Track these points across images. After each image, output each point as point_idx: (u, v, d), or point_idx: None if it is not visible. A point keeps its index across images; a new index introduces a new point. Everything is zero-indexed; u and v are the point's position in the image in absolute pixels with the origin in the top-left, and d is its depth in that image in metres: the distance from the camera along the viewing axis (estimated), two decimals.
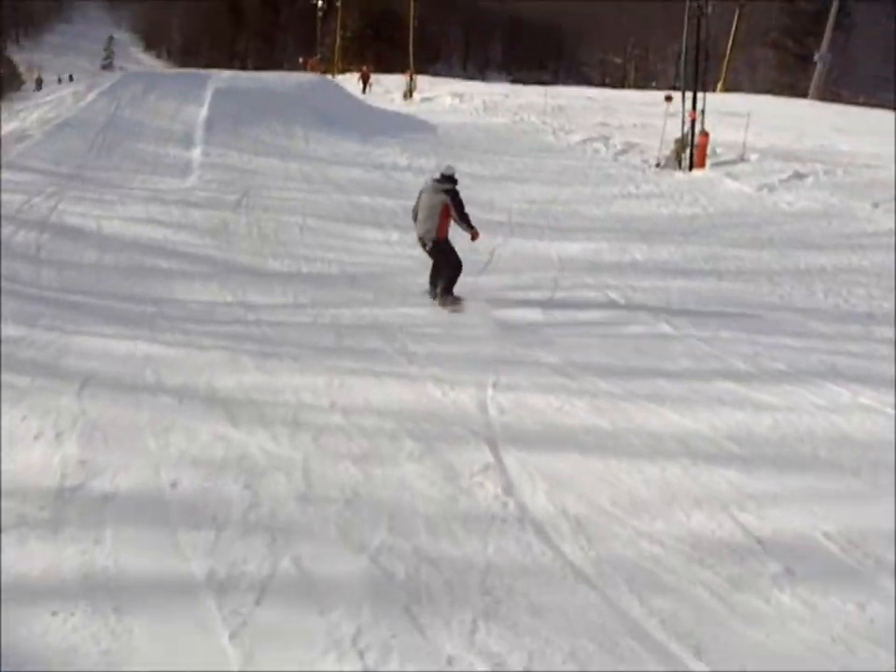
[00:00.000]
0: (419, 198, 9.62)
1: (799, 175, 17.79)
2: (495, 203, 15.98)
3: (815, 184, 17.38)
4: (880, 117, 30.33)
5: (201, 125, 21.82)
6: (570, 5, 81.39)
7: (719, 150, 20.24)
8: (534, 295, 10.34)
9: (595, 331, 8.94)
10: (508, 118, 28.41)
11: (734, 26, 44.28)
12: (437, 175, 9.57)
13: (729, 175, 18.39)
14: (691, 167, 19.35)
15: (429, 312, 9.43)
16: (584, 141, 23.65)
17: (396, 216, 14.58)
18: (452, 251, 9.55)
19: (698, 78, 19.88)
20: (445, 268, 9.51)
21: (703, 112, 19.30)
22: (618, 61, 69.06)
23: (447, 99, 34.21)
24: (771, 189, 17.15)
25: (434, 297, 9.69)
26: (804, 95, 40.40)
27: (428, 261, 9.97)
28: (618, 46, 69.60)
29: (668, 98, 20.60)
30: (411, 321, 8.99)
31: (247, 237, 13.44)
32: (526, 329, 8.83)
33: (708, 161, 19.51)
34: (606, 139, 23.63)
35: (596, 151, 22.47)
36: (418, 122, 26.39)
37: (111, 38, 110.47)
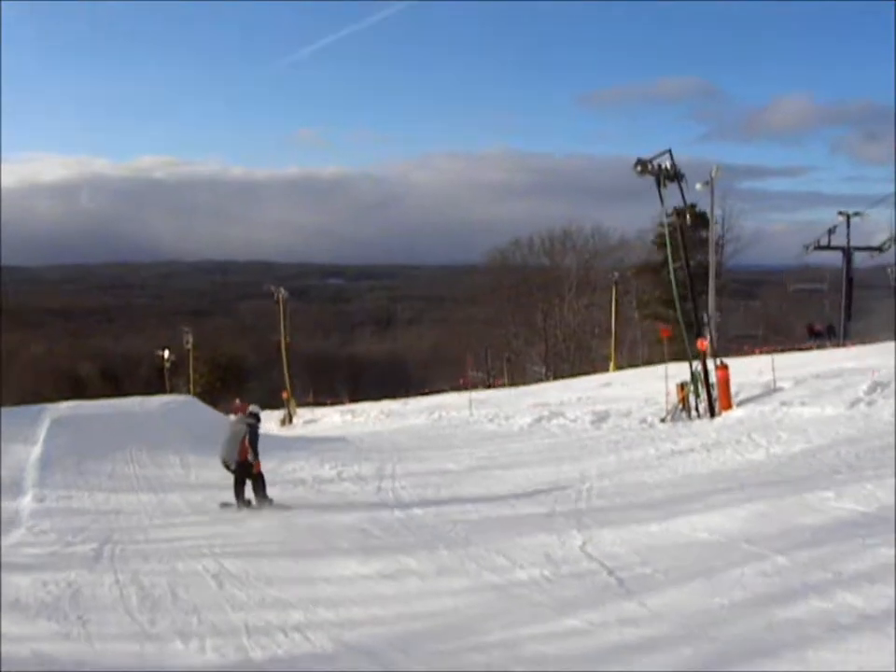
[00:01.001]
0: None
1: (881, 385, 13.87)
2: (519, 488, 10.76)
3: None
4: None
5: (32, 466, 15.71)
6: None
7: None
8: None
9: None
10: (423, 418, 23.86)
11: (613, 304, 44.12)
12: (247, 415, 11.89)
13: (785, 403, 14.19)
14: (712, 412, 15.04)
15: None
16: (538, 420, 19.26)
17: (368, 535, 8.99)
18: (252, 468, 11.53)
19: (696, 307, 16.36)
20: (255, 480, 11.60)
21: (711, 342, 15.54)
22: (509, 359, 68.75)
23: (335, 417, 29.65)
24: (870, 403, 13.02)
25: (244, 505, 11.59)
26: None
27: None
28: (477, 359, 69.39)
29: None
30: None
31: (119, 608, 7.34)
32: None
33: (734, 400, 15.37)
34: (560, 414, 19.36)
35: (564, 426, 18.03)
36: (319, 438, 21.32)
37: None
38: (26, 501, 13.62)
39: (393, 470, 14.71)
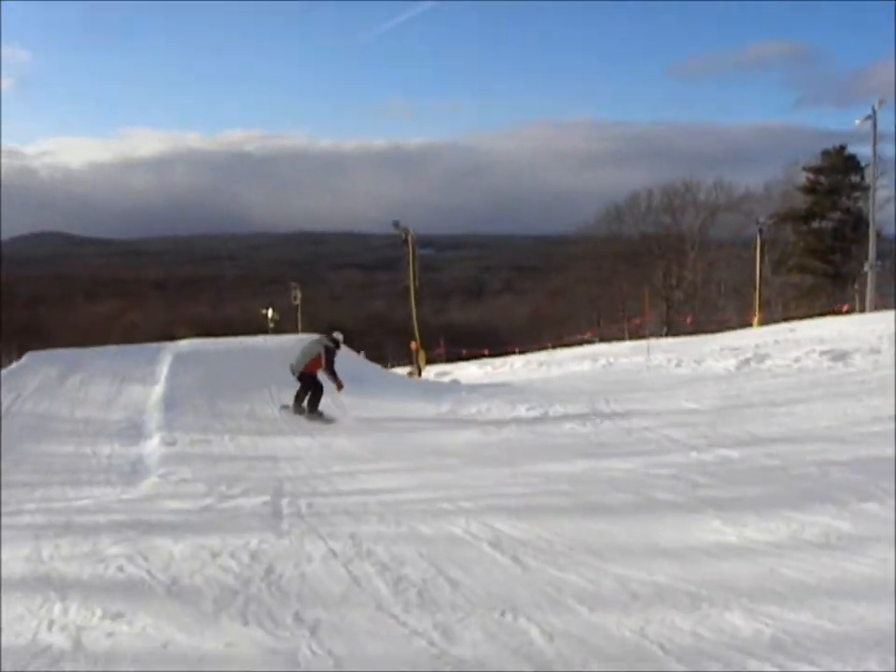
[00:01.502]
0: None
1: None
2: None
3: None
4: None
5: (155, 407, 12.73)
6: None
7: None
8: None
9: None
10: (587, 365, 20.12)
11: (758, 251, 39.41)
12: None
13: None
14: None
15: None
16: (744, 362, 15.41)
17: (694, 485, 5.40)
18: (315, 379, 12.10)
19: None
20: (314, 393, 12.03)
21: None
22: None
23: (473, 369, 26.19)
24: None
25: (298, 412, 11.95)
26: (848, 313, 34.45)
27: None
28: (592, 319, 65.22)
29: None
30: None
31: (361, 601, 3.98)
32: None
33: None
34: (766, 357, 15.49)
35: (791, 367, 14.14)
36: (481, 384, 17.73)
37: None
38: (153, 445, 10.59)
39: (625, 410, 11.15)
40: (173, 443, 10.51)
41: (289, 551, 5.19)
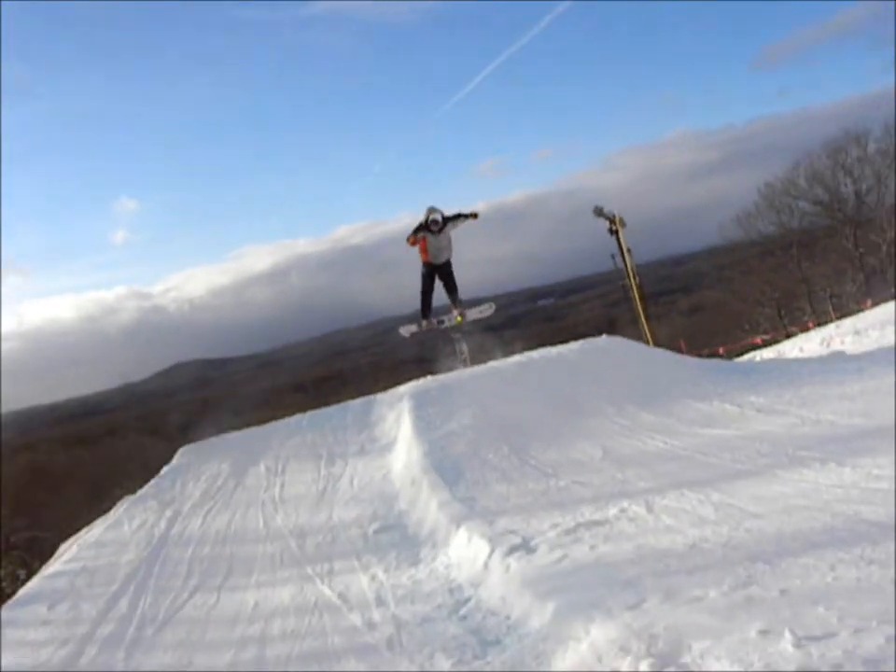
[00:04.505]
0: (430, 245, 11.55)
1: None
2: None
3: None
4: None
5: (422, 483, 6.98)
6: None
7: None
8: None
9: None
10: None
11: None
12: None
13: None
14: None
15: None
16: None
17: None
18: None
19: None
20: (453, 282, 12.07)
21: None
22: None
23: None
24: None
25: (443, 320, 12.62)
26: None
27: None
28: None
29: None
30: None
31: None
32: None
33: None
34: None
35: None
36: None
37: None
38: (466, 558, 4.86)
39: None
40: (515, 548, 4.69)
41: None
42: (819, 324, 33.58)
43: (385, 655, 4.06)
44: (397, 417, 9.38)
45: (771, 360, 14.36)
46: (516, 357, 11.12)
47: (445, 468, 6.98)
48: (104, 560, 7.99)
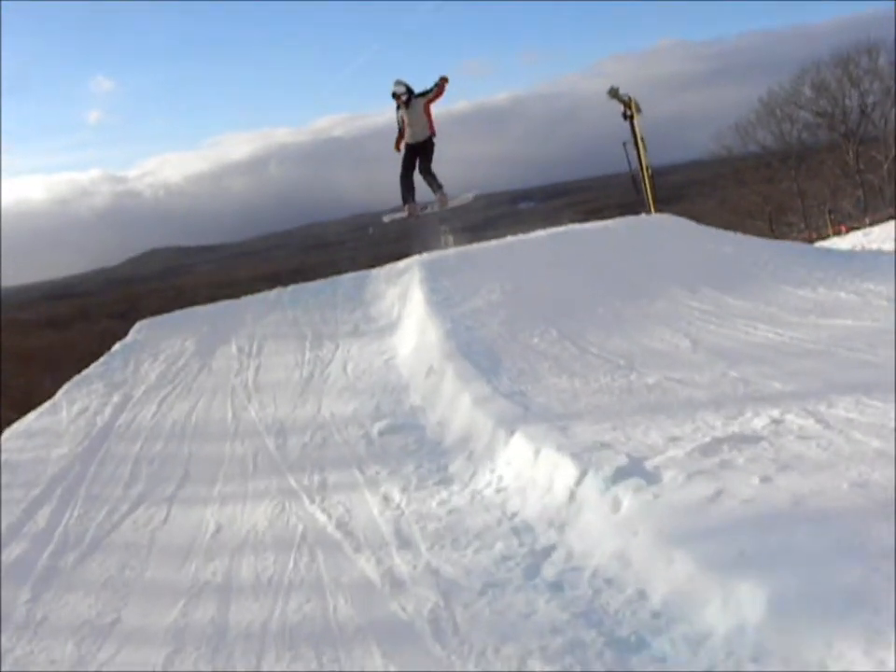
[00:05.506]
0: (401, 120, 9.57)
1: None
2: None
3: None
4: None
5: (446, 372, 5.29)
6: None
7: None
8: None
9: None
10: None
11: None
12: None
13: None
14: None
15: None
16: None
17: None
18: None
19: None
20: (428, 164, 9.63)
21: None
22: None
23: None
24: None
25: (426, 206, 9.91)
26: None
27: None
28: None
29: None
30: None
31: None
32: None
33: None
34: None
35: None
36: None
37: None
38: (534, 481, 3.10)
39: None
40: (624, 471, 2.99)
41: None
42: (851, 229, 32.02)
43: (431, 649, 2.42)
44: (401, 294, 7.61)
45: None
46: (545, 231, 9.30)
47: (476, 353, 5.28)
48: (29, 454, 6.31)
